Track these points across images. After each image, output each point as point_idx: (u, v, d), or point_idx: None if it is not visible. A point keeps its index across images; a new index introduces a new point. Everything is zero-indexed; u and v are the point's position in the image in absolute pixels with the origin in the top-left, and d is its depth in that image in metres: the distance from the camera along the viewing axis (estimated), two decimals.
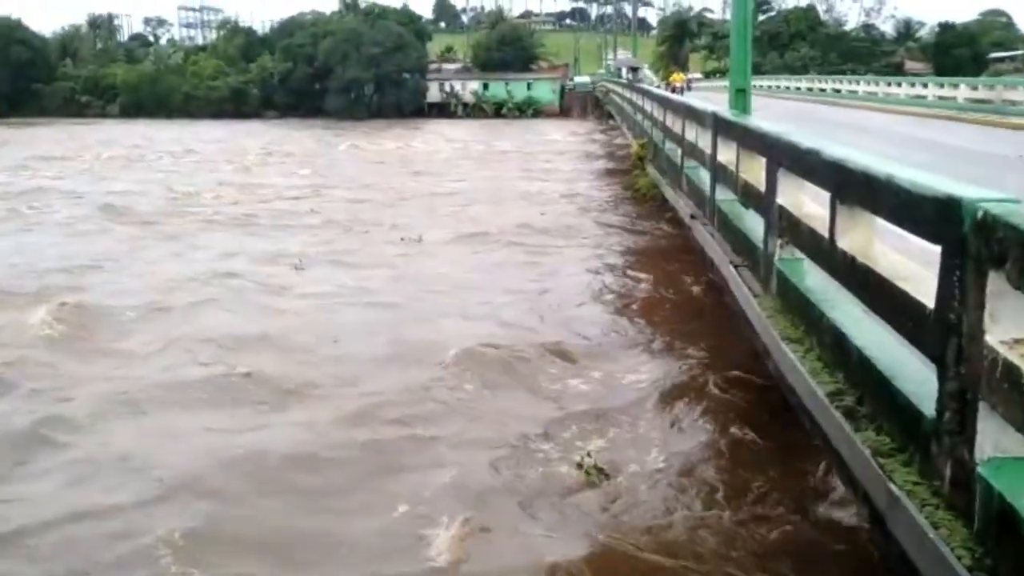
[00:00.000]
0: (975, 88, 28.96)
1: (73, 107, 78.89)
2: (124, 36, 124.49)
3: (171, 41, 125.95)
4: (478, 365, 9.45)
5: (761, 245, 6.44)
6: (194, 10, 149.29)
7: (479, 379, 9.12)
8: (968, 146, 15.79)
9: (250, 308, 12.35)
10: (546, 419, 8.03)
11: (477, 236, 17.71)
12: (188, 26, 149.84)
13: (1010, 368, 2.73)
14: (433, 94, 77.66)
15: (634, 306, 12.08)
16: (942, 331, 3.21)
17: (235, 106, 76.27)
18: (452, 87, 79.12)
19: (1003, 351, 2.79)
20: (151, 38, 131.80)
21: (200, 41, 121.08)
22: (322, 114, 71.66)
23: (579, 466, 6.90)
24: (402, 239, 17.25)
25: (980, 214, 2.93)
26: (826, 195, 4.83)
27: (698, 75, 70.55)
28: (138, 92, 78.84)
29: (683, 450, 7.29)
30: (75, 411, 8.37)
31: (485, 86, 78.80)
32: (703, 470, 6.87)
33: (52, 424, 8.04)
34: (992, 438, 2.93)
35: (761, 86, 47.58)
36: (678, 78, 42.45)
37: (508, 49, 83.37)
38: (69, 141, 48.08)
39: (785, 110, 29.64)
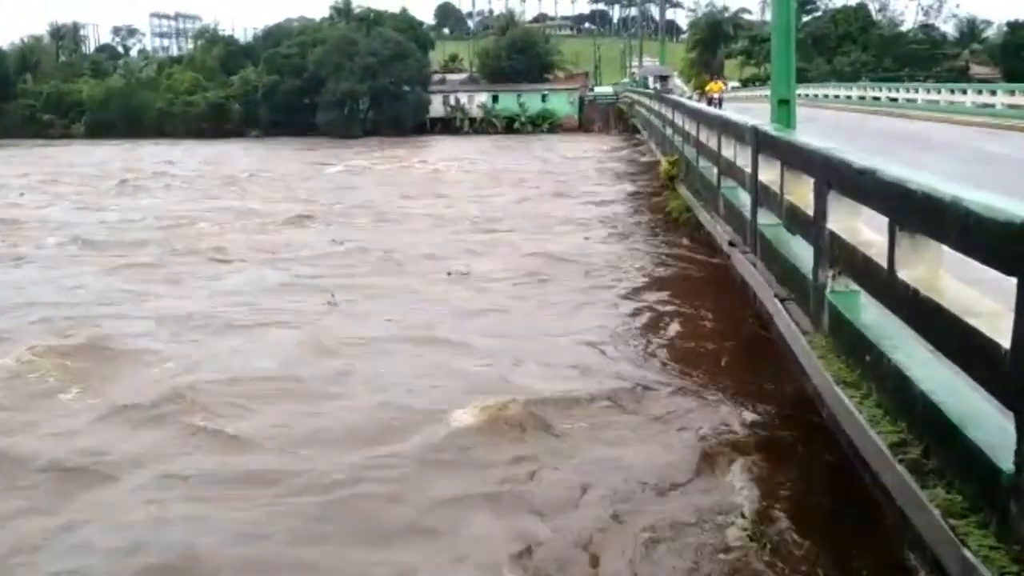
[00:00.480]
0: None
1: (34, 127, 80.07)
2: (90, 47, 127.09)
3: (143, 52, 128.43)
4: (564, 419, 9.31)
5: (810, 276, 6.43)
6: (168, 18, 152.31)
7: (573, 437, 8.97)
8: None
9: (284, 352, 12.03)
10: (661, 475, 7.93)
11: (526, 269, 17.77)
12: (162, 35, 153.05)
13: None
14: (436, 108, 78.37)
15: (711, 346, 11.97)
16: (1020, 374, 3.20)
17: (214, 123, 77.14)
18: (458, 100, 79.87)
19: None
20: (120, 49, 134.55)
21: (175, 52, 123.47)
22: (312, 131, 72.17)
23: (744, 530, 6.70)
24: (449, 274, 17.34)
25: None
26: (883, 219, 4.85)
27: (735, 83, 70.69)
28: (106, 109, 79.89)
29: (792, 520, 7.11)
30: (90, 492, 8.05)
31: (495, 98, 79.46)
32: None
33: (65, 502, 7.85)
34: None
35: (806, 95, 47.78)
36: (716, 87, 39.47)
37: (520, 57, 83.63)
38: (39, 164, 48.72)
39: (835, 121, 29.73)
